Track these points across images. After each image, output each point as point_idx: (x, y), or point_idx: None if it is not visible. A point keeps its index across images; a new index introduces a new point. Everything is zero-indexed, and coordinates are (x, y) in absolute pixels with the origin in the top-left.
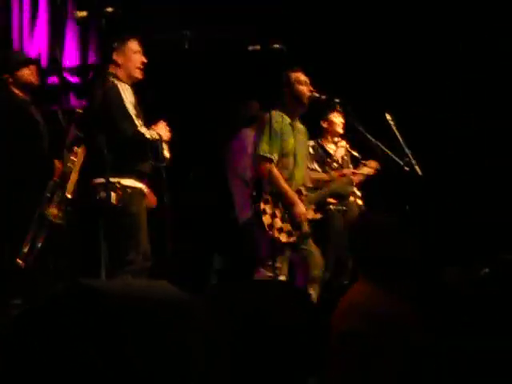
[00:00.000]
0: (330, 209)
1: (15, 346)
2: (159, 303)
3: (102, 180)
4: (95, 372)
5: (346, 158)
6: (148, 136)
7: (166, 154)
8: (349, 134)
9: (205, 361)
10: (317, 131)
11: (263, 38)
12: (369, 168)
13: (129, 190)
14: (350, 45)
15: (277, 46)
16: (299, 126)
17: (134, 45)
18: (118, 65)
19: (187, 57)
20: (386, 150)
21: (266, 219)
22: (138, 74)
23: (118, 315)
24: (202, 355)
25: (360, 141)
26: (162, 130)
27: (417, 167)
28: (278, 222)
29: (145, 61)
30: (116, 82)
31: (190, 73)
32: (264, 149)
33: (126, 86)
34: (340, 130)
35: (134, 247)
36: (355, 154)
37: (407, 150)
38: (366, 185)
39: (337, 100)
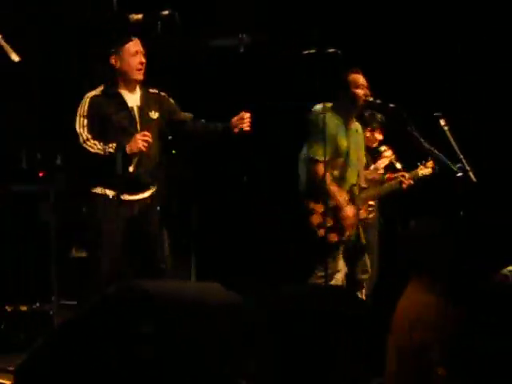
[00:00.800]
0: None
1: (71, 345)
2: (211, 305)
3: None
4: (147, 367)
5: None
6: (93, 150)
7: (131, 168)
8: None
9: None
10: None
11: (319, 42)
12: (425, 169)
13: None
14: (404, 50)
15: (332, 50)
16: (354, 126)
17: (131, 47)
18: (114, 69)
19: (243, 61)
20: (440, 156)
21: (315, 219)
22: (138, 76)
23: (170, 316)
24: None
25: (412, 147)
26: (131, 144)
27: (471, 173)
28: (330, 221)
29: (144, 61)
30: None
31: (246, 76)
32: (315, 151)
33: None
34: (373, 146)
35: None
36: (398, 166)
37: (461, 156)
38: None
39: (391, 105)
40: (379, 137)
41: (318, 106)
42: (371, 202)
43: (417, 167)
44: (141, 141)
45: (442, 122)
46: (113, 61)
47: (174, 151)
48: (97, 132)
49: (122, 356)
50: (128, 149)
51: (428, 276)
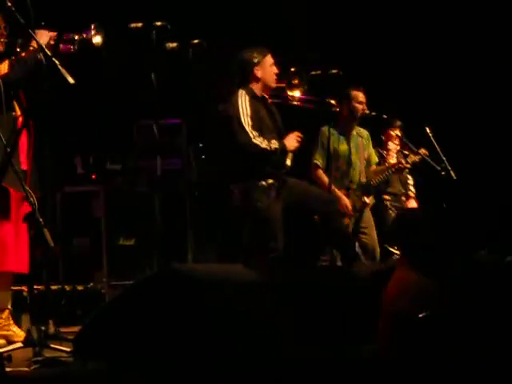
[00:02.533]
0: (386, 204)
1: (118, 318)
2: (236, 283)
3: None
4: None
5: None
6: (263, 146)
7: (288, 162)
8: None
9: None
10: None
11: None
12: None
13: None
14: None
15: (335, 71)
16: (355, 131)
17: (270, 58)
18: (257, 79)
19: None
20: (426, 158)
21: None
22: (274, 84)
23: (202, 293)
24: (271, 325)
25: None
26: (289, 141)
27: (452, 172)
28: None
29: (277, 71)
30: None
31: None
32: (315, 157)
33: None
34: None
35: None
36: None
37: (443, 158)
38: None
39: (384, 116)
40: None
41: (324, 127)
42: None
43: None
44: (296, 138)
45: (428, 130)
46: (256, 71)
47: (203, 156)
48: (256, 131)
49: (163, 327)
50: (288, 145)
51: (412, 256)
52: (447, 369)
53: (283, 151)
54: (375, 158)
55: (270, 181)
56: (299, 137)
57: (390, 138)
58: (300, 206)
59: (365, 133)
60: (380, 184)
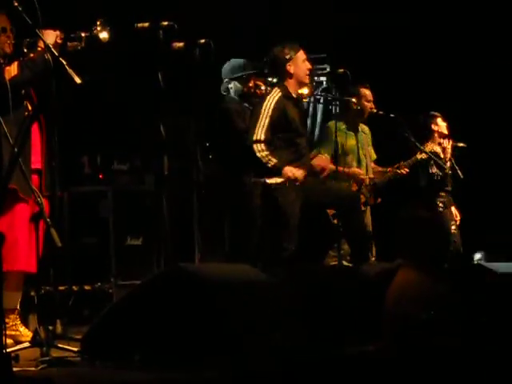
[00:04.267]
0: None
1: (125, 318)
2: (244, 282)
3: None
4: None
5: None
6: (258, 155)
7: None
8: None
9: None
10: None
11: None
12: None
13: (273, 187)
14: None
15: (341, 70)
16: (361, 128)
17: (302, 54)
18: (290, 74)
19: None
20: (433, 156)
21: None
22: (307, 79)
23: (211, 292)
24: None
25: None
26: (292, 171)
27: (459, 171)
28: None
29: (311, 67)
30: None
31: None
32: (321, 151)
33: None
34: (445, 131)
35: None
36: (461, 144)
37: (451, 158)
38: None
39: (392, 115)
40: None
41: (331, 122)
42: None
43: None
44: (302, 173)
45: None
46: (288, 67)
47: (210, 155)
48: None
49: (170, 326)
50: (288, 173)
51: (415, 258)
52: (449, 368)
53: (278, 171)
54: (374, 155)
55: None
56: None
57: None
58: (321, 203)
59: (366, 129)
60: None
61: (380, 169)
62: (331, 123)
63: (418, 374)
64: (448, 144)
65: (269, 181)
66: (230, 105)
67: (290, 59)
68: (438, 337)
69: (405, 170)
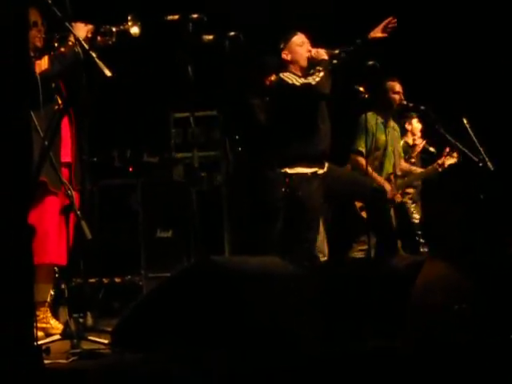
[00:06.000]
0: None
1: (155, 310)
2: (272, 275)
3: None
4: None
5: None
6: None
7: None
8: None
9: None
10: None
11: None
12: (451, 158)
13: (294, 177)
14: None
15: (371, 62)
16: (391, 124)
17: (297, 39)
18: (288, 62)
19: None
20: (464, 149)
21: (358, 203)
22: (305, 63)
23: (239, 285)
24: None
25: (440, 141)
26: None
27: (489, 163)
28: None
29: (311, 49)
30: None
31: None
32: (358, 144)
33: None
34: (418, 133)
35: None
36: (432, 149)
37: (481, 149)
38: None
39: (422, 107)
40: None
41: (368, 113)
42: (409, 190)
43: (443, 156)
44: None
45: (465, 121)
46: (284, 55)
47: (239, 148)
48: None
49: (200, 318)
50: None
51: (443, 251)
52: (474, 362)
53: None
54: (402, 153)
55: (314, 169)
56: None
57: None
58: (347, 193)
59: (396, 125)
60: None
61: (413, 169)
62: (369, 115)
63: (441, 370)
64: (420, 143)
65: (290, 171)
66: (252, 100)
67: (285, 47)
68: (463, 332)
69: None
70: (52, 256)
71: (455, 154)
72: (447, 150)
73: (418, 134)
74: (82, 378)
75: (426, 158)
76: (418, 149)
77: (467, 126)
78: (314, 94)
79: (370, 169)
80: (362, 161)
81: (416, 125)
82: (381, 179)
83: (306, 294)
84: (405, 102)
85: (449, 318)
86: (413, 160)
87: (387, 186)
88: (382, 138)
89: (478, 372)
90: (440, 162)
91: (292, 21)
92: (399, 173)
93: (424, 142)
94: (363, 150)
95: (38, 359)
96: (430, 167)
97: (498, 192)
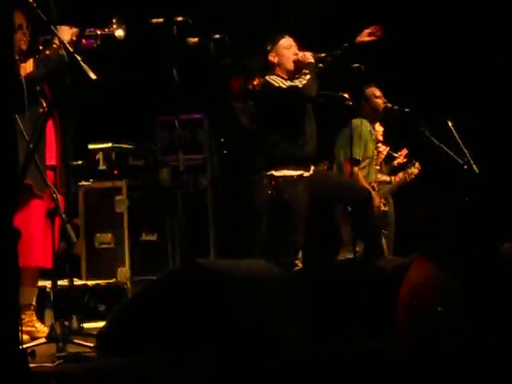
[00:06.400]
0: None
1: (141, 313)
2: (258, 277)
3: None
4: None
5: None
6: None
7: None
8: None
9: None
10: None
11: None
12: (414, 169)
13: (280, 180)
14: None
15: (356, 65)
16: (376, 130)
17: (285, 41)
18: (275, 65)
19: None
20: (449, 151)
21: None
22: (291, 66)
23: (224, 288)
24: (290, 317)
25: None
26: None
27: (474, 165)
28: None
29: (297, 52)
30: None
31: None
32: (355, 151)
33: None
34: (380, 138)
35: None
36: (395, 155)
37: (466, 151)
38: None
39: (407, 110)
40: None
41: (356, 119)
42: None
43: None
44: None
45: (450, 124)
46: (271, 58)
47: (225, 151)
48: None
49: (187, 323)
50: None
51: (429, 252)
52: (462, 362)
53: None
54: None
55: (300, 172)
56: None
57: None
58: (333, 197)
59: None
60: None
61: (385, 178)
62: (358, 120)
63: (429, 372)
64: (384, 150)
65: (276, 173)
66: (234, 104)
67: (272, 49)
68: (450, 334)
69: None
70: (37, 259)
71: (417, 165)
72: (412, 160)
73: (381, 138)
74: (68, 382)
75: (387, 162)
76: (382, 156)
77: (452, 128)
78: (300, 97)
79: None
80: (357, 171)
81: (378, 128)
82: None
83: (291, 296)
84: (389, 105)
85: (435, 320)
86: (377, 167)
87: (374, 195)
88: (371, 146)
89: (466, 374)
90: (410, 171)
91: (290, 22)
92: (375, 184)
93: (387, 148)
94: (359, 158)
95: (23, 362)
96: (401, 176)
97: (484, 195)
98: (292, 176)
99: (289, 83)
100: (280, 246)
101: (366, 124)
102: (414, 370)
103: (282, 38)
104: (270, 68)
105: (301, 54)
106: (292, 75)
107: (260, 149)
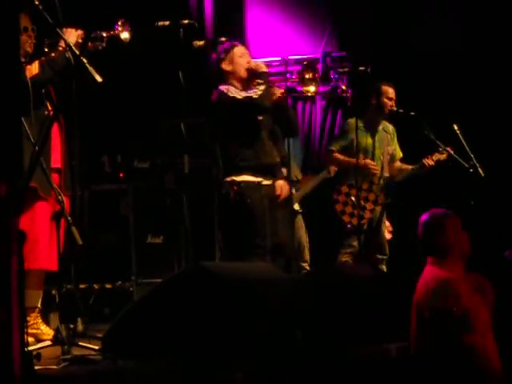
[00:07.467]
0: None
1: (146, 316)
2: (263, 280)
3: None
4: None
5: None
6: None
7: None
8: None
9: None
10: None
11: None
12: (441, 155)
13: (242, 185)
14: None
15: (362, 67)
16: (382, 126)
17: (238, 50)
18: (228, 73)
19: None
20: (454, 155)
21: (338, 207)
22: (245, 74)
23: (229, 290)
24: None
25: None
26: None
27: (479, 169)
28: (350, 208)
29: (250, 60)
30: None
31: None
32: (332, 144)
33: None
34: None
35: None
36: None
37: (471, 155)
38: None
39: (412, 113)
40: None
41: (352, 119)
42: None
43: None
44: None
45: (456, 127)
46: (224, 66)
47: None
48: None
49: (192, 325)
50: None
51: (441, 256)
52: None
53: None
54: (400, 154)
55: (259, 179)
56: None
57: None
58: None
59: (390, 127)
60: (403, 181)
61: (404, 167)
62: (351, 120)
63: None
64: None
65: (236, 178)
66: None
67: (225, 57)
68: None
69: (429, 162)
70: (43, 262)
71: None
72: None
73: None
74: None
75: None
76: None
77: (458, 132)
78: (255, 108)
79: (346, 158)
80: (336, 155)
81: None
82: (362, 162)
83: (296, 299)
84: (395, 109)
85: (451, 323)
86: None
87: (370, 162)
88: (365, 141)
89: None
90: (427, 160)
91: None
92: (387, 174)
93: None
94: (334, 149)
95: (28, 365)
96: (416, 165)
97: (489, 198)
98: (253, 182)
99: (244, 94)
100: (248, 249)
101: (353, 121)
102: (422, 373)
103: (236, 46)
104: (224, 76)
105: (253, 62)
106: (245, 83)
107: (222, 156)
